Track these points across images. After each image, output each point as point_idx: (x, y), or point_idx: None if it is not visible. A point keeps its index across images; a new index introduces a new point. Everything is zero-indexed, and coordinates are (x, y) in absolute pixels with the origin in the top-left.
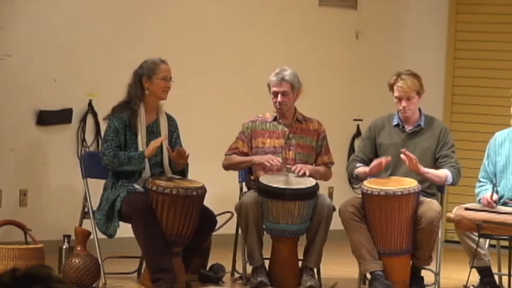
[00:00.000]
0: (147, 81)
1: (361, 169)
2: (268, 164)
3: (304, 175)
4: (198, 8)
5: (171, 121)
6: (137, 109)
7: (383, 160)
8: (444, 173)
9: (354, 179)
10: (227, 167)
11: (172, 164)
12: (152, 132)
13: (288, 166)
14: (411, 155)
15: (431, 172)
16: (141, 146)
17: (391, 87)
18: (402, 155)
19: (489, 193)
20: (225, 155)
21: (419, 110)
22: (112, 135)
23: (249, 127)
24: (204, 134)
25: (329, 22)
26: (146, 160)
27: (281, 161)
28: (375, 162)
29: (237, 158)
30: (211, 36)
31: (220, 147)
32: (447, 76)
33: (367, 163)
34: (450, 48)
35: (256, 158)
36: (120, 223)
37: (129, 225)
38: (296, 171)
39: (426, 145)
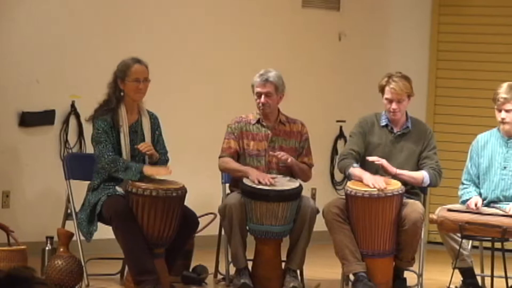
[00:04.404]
0: (121, 82)
1: (357, 172)
2: (257, 182)
3: (286, 160)
4: (181, 9)
5: (153, 118)
6: (118, 110)
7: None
8: (420, 175)
9: (345, 175)
10: (223, 170)
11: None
12: (135, 132)
13: (271, 152)
14: (380, 160)
15: (405, 173)
16: (124, 147)
17: (382, 89)
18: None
19: (472, 200)
20: (220, 157)
21: (405, 112)
22: (104, 136)
23: (236, 128)
24: (187, 135)
25: (312, 24)
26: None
27: (272, 181)
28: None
29: (233, 164)
30: (194, 37)
31: (203, 148)
32: (429, 77)
33: (360, 157)
34: (432, 49)
35: (251, 173)
36: (99, 226)
37: (111, 228)
38: (279, 156)
39: (413, 147)
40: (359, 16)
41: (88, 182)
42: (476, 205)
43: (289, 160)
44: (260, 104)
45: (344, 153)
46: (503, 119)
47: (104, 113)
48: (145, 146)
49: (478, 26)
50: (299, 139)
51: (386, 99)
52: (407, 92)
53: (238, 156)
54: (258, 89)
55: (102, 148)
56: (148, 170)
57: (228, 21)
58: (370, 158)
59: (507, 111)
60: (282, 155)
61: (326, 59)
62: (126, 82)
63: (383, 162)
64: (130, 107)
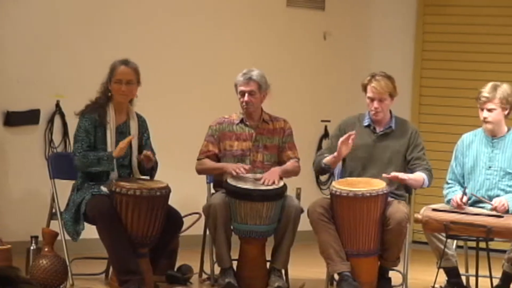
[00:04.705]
0: (109, 83)
1: (329, 157)
2: (234, 173)
3: (273, 184)
4: (165, 9)
5: (141, 121)
6: (106, 108)
7: (346, 136)
8: (421, 177)
9: (322, 172)
10: (200, 171)
11: (141, 165)
12: (122, 133)
13: (258, 175)
14: (394, 174)
15: (411, 177)
16: (110, 146)
17: (365, 88)
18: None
19: (458, 195)
20: (198, 159)
21: (390, 112)
22: (83, 135)
23: (217, 129)
24: (171, 135)
25: (296, 23)
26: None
27: (246, 168)
28: (340, 140)
29: (209, 164)
30: (179, 37)
31: (188, 148)
32: (414, 77)
33: None
34: (417, 49)
35: (228, 167)
36: (86, 225)
37: (95, 227)
38: (265, 183)
39: (396, 147)
40: (344, 15)
41: (73, 181)
42: (461, 199)
43: (276, 182)
44: (244, 103)
45: (317, 155)
46: (485, 118)
47: (92, 111)
48: (150, 154)
49: (463, 26)
50: (282, 135)
51: (368, 98)
52: (389, 91)
53: (217, 159)
54: (241, 88)
55: (77, 147)
56: (116, 151)
57: (213, 21)
58: (384, 175)
59: (489, 110)
60: (267, 182)
61: (311, 59)
62: (112, 82)
63: (398, 175)
64: (119, 108)
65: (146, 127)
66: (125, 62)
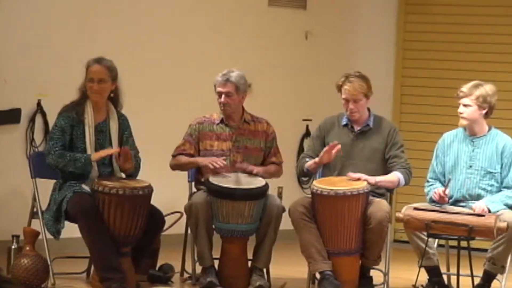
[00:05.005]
0: (85, 81)
1: (310, 161)
2: (211, 167)
3: (251, 172)
4: (147, 8)
5: (122, 119)
6: (84, 107)
7: (332, 145)
8: (395, 177)
9: (304, 176)
10: (174, 167)
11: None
12: (102, 131)
13: (237, 165)
14: (357, 175)
15: (383, 180)
16: (88, 145)
17: (339, 89)
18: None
19: (441, 188)
20: (172, 155)
21: (368, 110)
22: (58, 134)
23: (196, 129)
24: (153, 134)
25: (278, 22)
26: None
27: (225, 163)
28: (324, 149)
29: (183, 159)
30: (160, 36)
31: (169, 147)
32: (396, 76)
33: None
34: (399, 48)
35: (200, 160)
36: (66, 224)
37: (77, 225)
38: (244, 167)
39: (375, 145)
40: (326, 15)
41: (54, 181)
42: (444, 191)
43: (254, 171)
44: (221, 104)
45: (299, 159)
46: (460, 113)
47: (69, 109)
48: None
49: (445, 25)
50: (265, 139)
51: (343, 99)
52: (363, 92)
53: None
54: (219, 89)
55: (52, 145)
56: (95, 156)
57: (195, 20)
58: (351, 174)
59: (465, 105)
60: (246, 166)
61: (293, 58)
62: (85, 81)
63: (362, 176)
64: (97, 106)
65: (127, 125)
66: (98, 60)
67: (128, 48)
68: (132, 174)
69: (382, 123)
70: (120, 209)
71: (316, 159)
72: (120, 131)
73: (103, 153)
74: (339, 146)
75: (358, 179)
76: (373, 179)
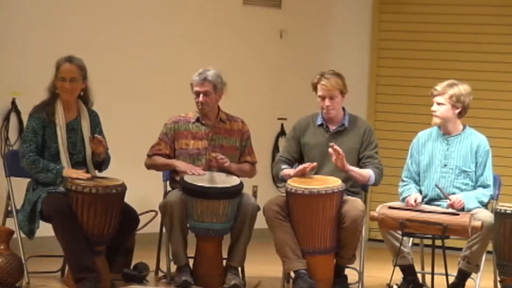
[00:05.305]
0: (55, 80)
1: (286, 171)
2: (190, 173)
3: (223, 165)
4: (121, 6)
5: (93, 116)
6: (55, 106)
7: (307, 166)
8: (367, 173)
9: (279, 181)
10: (150, 167)
11: (93, 156)
12: (73, 129)
13: (212, 154)
14: (339, 150)
15: (355, 170)
16: (61, 145)
17: (315, 87)
18: (330, 149)
19: (413, 196)
20: (148, 155)
21: (343, 109)
22: (31, 136)
23: (171, 128)
24: (127, 132)
25: (253, 21)
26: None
27: (202, 173)
28: (299, 168)
29: (160, 160)
30: (135, 34)
31: (144, 145)
32: (370, 75)
33: (292, 162)
34: (373, 47)
35: (177, 164)
36: (40, 224)
37: (51, 225)
38: (218, 158)
39: (350, 145)
40: (301, 13)
41: (29, 179)
42: (415, 201)
43: (226, 164)
44: (199, 103)
45: (275, 161)
46: (433, 111)
47: (39, 110)
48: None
49: (419, 24)
50: (240, 138)
51: (319, 96)
52: (339, 89)
53: (172, 157)
54: (196, 88)
55: (26, 148)
56: (68, 172)
57: (169, 19)
58: (330, 149)
59: (438, 104)
60: (221, 157)
61: (268, 57)
62: (57, 80)
63: (340, 151)
64: (67, 105)
65: (98, 121)
66: (69, 59)
67: (102, 46)
68: (103, 162)
69: (358, 122)
70: (94, 208)
71: (291, 172)
72: (92, 128)
73: (75, 175)
74: (314, 164)
75: (338, 153)
76: (347, 166)
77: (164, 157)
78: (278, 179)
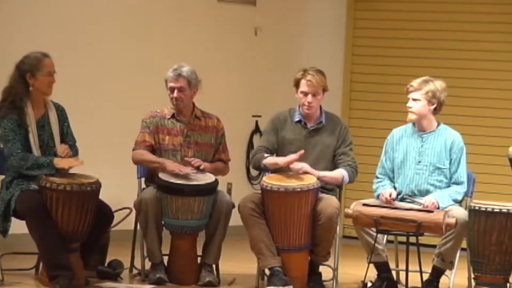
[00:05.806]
0: (31, 77)
1: (270, 159)
2: (177, 171)
3: (198, 168)
4: (95, 3)
5: (60, 111)
6: (24, 107)
7: (296, 157)
8: (340, 174)
9: (259, 169)
10: (138, 162)
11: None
12: (43, 126)
13: (186, 158)
14: (303, 167)
15: (327, 175)
16: (33, 144)
17: (297, 82)
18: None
19: (388, 191)
20: (134, 150)
21: (320, 107)
22: (12, 134)
23: (151, 122)
24: (101, 129)
25: (228, 18)
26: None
27: (192, 172)
28: (289, 158)
29: (149, 156)
30: (108, 30)
31: (118, 142)
32: (345, 72)
33: (272, 153)
34: (348, 44)
35: (168, 164)
36: (14, 221)
37: (25, 223)
38: (192, 163)
39: (327, 142)
40: (275, 11)
41: (2, 176)
42: (390, 195)
43: (201, 167)
44: (173, 99)
45: (255, 150)
46: (409, 107)
47: (9, 112)
48: (64, 150)
49: (394, 22)
50: (215, 135)
51: (302, 92)
52: (323, 86)
53: (153, 150)
54: (171, 84)
55: (11, 146)
56: (59, 162)
57: (143, 15)
58: (294, 167)
59: (414, 100)
60: (195, 162)
61: (242, 54)
62: (38, 76)
63: (306, 167)
64: (37, 102)
65: (65, 115)
66: (46, 54)
67: (75, 42)
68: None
69: (334, 120)
70: (68, 205)
71: (278, 160)
72: (60, 123)
73: (67, 164)
74: (302, 152)
75: (304, 172)
76: (317, 173)
77: (150, 148)
78: (258, 167)
